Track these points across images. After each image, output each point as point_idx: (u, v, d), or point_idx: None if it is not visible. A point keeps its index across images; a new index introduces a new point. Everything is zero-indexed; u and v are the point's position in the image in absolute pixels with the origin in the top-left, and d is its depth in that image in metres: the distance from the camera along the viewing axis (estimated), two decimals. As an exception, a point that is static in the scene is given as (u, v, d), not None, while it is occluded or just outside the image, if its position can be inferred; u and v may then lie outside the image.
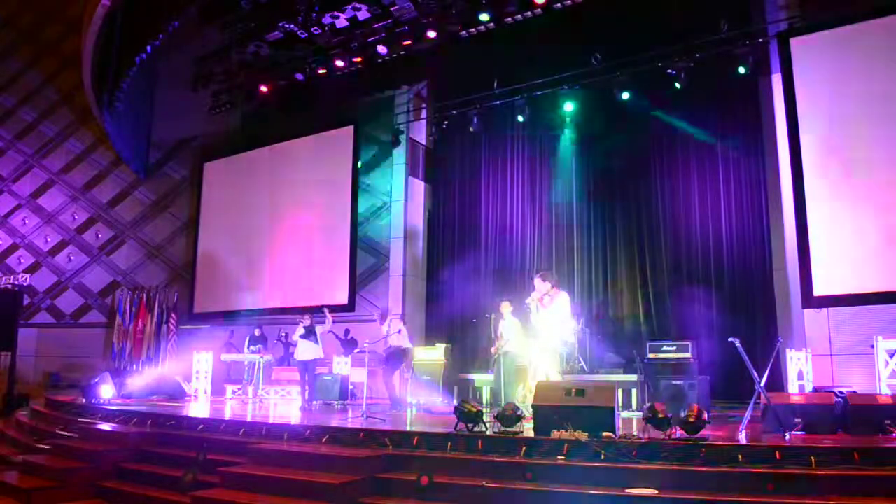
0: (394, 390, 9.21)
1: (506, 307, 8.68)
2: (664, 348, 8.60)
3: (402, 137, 12.83)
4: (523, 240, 12.01)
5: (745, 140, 10.25)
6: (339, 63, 11.64)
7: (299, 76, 12.14)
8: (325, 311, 9.74)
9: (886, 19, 8.77)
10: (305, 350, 9.35)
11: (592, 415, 5.51)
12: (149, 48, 11.95)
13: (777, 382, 8.52)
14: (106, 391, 9.83)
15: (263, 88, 12.64)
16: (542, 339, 7.56)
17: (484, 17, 10.23)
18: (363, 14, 10.71)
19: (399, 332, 9.21)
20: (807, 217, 9.01)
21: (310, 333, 9.35)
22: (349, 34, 11.17)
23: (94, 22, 12.79)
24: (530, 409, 6.03)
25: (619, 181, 11.26)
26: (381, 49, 11.12)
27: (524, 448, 5.38)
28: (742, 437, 5.51)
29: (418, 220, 13.05)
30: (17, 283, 13.61)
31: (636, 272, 10.92)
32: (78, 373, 14.75)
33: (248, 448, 6.21)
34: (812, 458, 4.68)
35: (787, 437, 5.51)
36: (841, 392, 6.17)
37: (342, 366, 11.16)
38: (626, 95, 10.37)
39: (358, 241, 13.08)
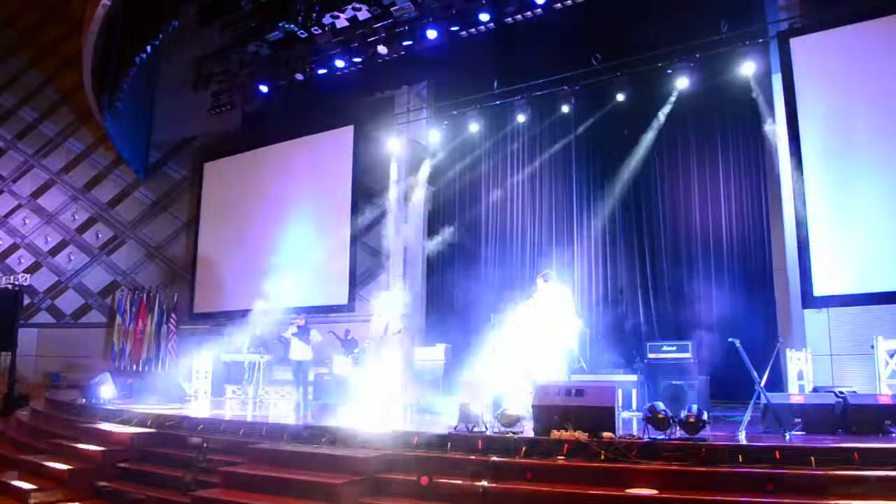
0: None
1: (513, 313, 8.71)
2: (664, 348, 8.62)
3: (402, 137, 12.83)
4: (523, 239, 12.01)
5: (745, 140, 10.25)
6: (339, 63, 11.64)
7: (299, 76, 12.13)
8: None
9: (886, 19, 8.77)
10: (297, 350, 9.37)
11: (592, 415, 5.52)
12: (149, 48, 11.93)
13: (777, 382, 8.51)
14: (106, 391, 9.83)
15: (263, 88, 12.64)
16: (546, 339, 7.55)
17: (484, 17, 10.24)
18: (363, 14, 10.71)
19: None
20: (807, 217, 9.00)
21: (302, 334, 9.34)
22: (349, 34, 11.17)
23: (94, 22, 12.76)
24: (530, 409, 6.03)
25: (619, 182, 11.22)
26: (381, 49, 11.12)
27: (524, 448, 5.39)
28: (742, 437, 5.51)
29: (418, 220, 13.03)
30: (17, 283, 13.62)
31: (636, 272, 10.92)
32: (78, 373, 14.73)
33: (248, 448, 6.21)
34: (812, 458, 4.69)
35: (787, 437, 5.51)
36: (841, 392, 6.16)
37: (342, 366, 11.13)
38: (625, 96, 10.37)
39: (358, 241, 13.07)
